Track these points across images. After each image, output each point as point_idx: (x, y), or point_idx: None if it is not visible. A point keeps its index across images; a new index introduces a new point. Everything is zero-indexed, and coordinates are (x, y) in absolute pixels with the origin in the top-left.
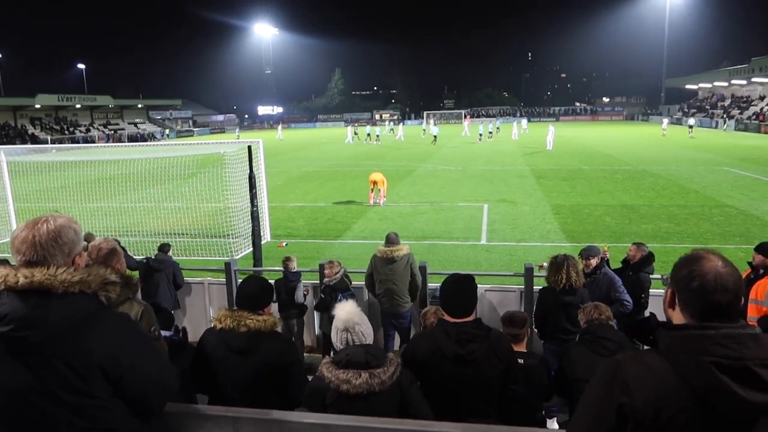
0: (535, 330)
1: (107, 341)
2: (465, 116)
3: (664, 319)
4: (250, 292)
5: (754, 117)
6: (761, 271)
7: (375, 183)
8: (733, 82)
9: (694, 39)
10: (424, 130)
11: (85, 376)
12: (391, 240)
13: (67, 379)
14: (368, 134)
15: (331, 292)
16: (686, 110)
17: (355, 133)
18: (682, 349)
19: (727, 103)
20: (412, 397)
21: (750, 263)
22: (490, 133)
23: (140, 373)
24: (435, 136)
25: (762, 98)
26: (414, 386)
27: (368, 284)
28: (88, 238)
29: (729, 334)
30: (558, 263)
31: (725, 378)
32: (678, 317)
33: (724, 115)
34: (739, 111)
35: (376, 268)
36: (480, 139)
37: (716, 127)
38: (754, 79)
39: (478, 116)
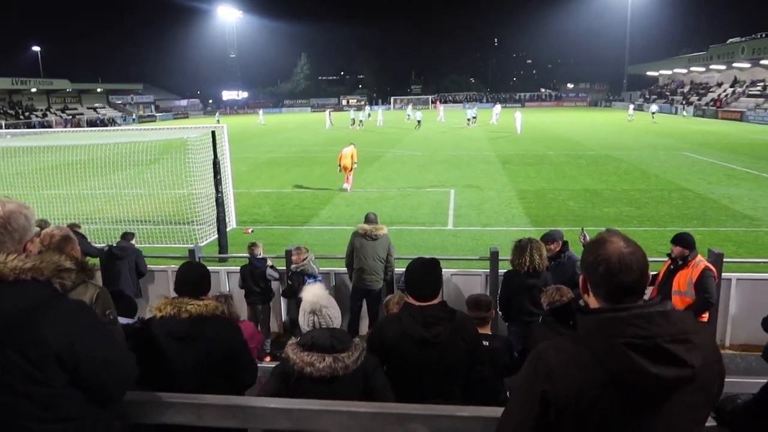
0: (500, 312)
1: (62, 329)
2: (435, 102)
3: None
4: (191, 278)
5: (711, 103)
6: (680, 262)
7: (345, 168)
8: (692, 69)
9: (655, 27)
10: (408, 115)
11: (40, 365)
12: (372, 219)
13: (21, 369)
14: (353, 119)
15: (298, 278)
16: (647, 96)
17: (329, 115)
18: (597, 333)
19: (686, 89)
20: (375, 382)
21: (669, 255)
22: (474, 117)
23: (98, 361)
24: (419, 121)
25: (719, 85)
26: (378, 371)
27: (349, 263)
28: (42, 224)
29: (640, 314)
30: (522, 246)
31: (637, 357)
32: (593, 301)
33: (684, 102)
34: (697, 97)
35: (358, 245)
36: (468, 124)
37: (676, 113)
38: (712, 67)
39: (446, 102)
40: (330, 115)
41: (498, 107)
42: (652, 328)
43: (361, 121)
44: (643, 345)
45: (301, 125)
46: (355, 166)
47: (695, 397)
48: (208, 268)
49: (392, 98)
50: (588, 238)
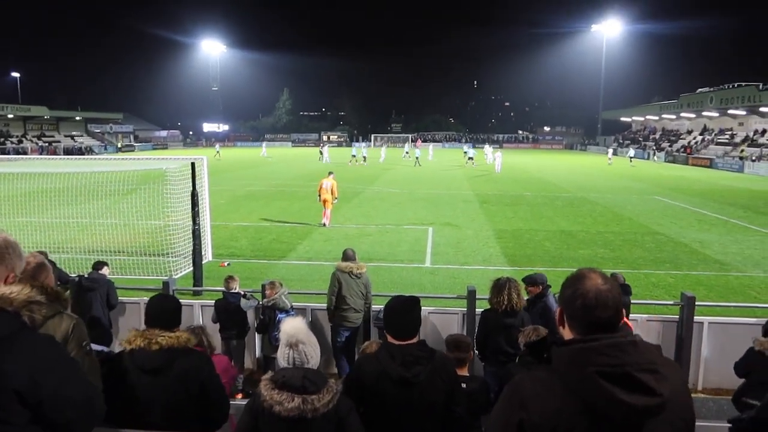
0: (476, 352)
1: (25, 364)
2: (416, 140)
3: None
4: (162, 310)
5: (682, 150)
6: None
7: (325, 202)
8: (663, 116)
9: (628, 74)
10: (407, 152)
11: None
12: (350, 256)
13: None
14: (353, 155)
15: (270, 313)
16: (621, 141)
17: (320, 152)
18: (570, 363)
19: (658, 135)
20: (349, 425)
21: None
22: (471, 158)
23: (63, 398)
24: (417, 158)
25: (689, 132)
26: (352, 415)
27: (333, 301)
28: None
29: (610, 343)
30: (500, 285)
31: (608, 385)
32: (567, 334)
33: (654, 148)
34: (668, 144)
35: (344, 283)
36: (474, 163)
37: (648, 158)
38: (682, 114)
39: (425, 140)
40: (325, 148)
41: (488, 147)
42: (622, 357)
43: (364, 157)
44: (613, 373)
45: (282, 159)
46: (335, 201)
47: (665, 430)
48: (180, 301)
49: (373, 135)
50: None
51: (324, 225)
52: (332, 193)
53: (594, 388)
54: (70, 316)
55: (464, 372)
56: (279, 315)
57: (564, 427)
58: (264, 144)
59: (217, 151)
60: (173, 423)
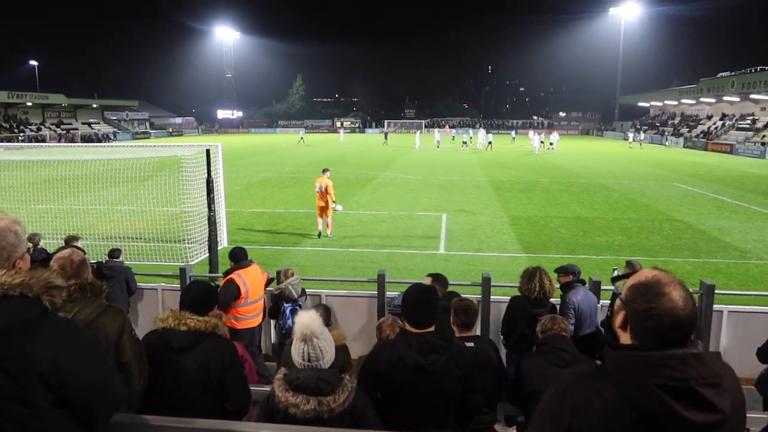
0: (501, 337)
1: (48, 347)
2: (445, 125)
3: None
4: (194, 295)
5: (701, 135)
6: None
7: (322, 210)
8: (682, 101)
9: (646, 58)
10: (480, 141)
11: (23, 384)
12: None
13: (2, 387)
14: (464, 141)
15: (277, 301)
16: (638, 127)
17: (385, 137)
18: (628, 371)
19: (676, 121)
20: (365, 421)
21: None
22: (542, 143)
23: (85, 381)
24: (490, 143)
25: (709, 117)
26: (368, 410)
27: None
28: (33, 238)
29: (673, 355)
30: (530, 273)
31: (670, 399)
32: (626, 339)
33: (669, 133)
34: (687, 129)
35: None
36: (537, 150)
37: (665, 143)
38: (702, 99)
39: (440, 126)
40: (417, 134)
41: (532, 133)
42: (687, 371)
43: (464, 142)
44: (676, 387)
45: (295, 145)
46: (333, 204)
47: None
48: (213, 286)
49: (386, 122)
50: (618, 272)
51: (326, 235)
52: (326, 196)
53: (654, 401)
54: (119, 310)
55: (469, 333)
56: (285, 305)
57: None
58: (342, 130)
59: (302, 137)
60: (192, 405)
